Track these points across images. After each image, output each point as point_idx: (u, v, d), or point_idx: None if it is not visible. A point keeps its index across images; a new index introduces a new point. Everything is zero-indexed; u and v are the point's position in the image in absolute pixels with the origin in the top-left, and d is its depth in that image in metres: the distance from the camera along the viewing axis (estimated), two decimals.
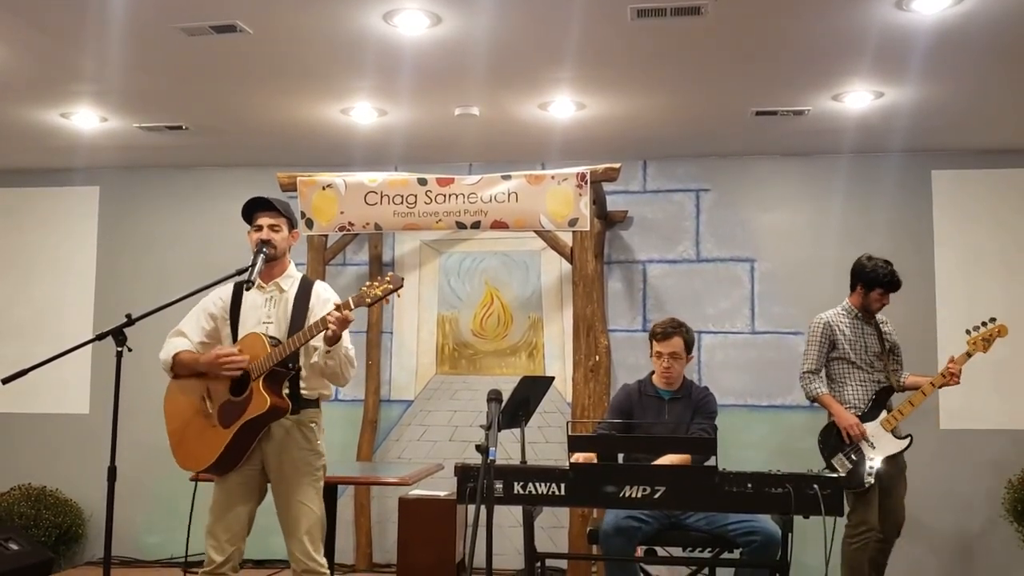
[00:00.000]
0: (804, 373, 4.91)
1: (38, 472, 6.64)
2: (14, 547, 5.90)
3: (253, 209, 3.81)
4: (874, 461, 4.70)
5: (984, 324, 4.76)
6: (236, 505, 3.68)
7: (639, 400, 4.53)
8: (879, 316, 4.96)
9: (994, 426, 6.00)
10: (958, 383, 4.75)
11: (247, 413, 3.55)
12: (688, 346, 4.47)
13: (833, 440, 4.80)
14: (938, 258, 6.15)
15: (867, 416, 4.78)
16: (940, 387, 4.78)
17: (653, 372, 4.55)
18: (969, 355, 4.74)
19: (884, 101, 5.23)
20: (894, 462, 4.76)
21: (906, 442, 4.75)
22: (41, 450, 6.79)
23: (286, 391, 3.65)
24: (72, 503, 6.58)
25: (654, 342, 4.49)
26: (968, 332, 4.78)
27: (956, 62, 4.65)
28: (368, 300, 3.50)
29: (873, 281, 4.82)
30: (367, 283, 3.57)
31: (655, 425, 4.41)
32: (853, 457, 4.72)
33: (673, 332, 4.44)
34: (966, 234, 6.17)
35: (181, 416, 3.73)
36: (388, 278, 3.53)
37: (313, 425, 3.75)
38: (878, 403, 4.80)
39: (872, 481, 4.68)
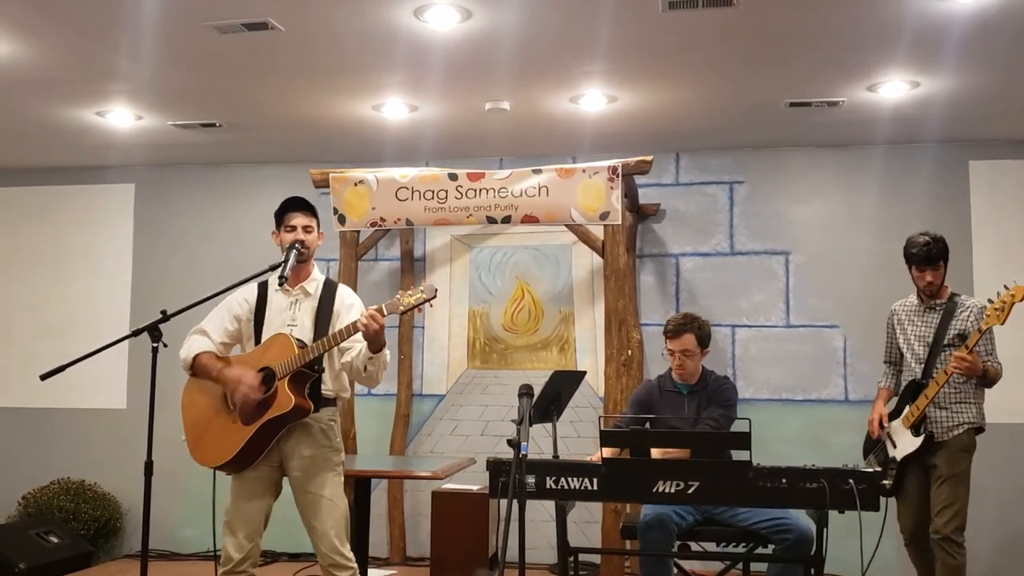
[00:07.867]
0: (883, 363, 4.70)
1: (77, 466, 6.75)
2: (54, 540, 6.01)
3: (287, 209, 3.84)
4: (894, 461, 4.39)
5: (997, 294, 4.11)
6: (254, 501, 3.71)
7: (659, 396, 4.51)
8: (962, 301, 4.40)
9: None
10: (970, 366, 4.15)
11: (270, 411, 3.58)
12: (702, 341, 4.40)
13: (867, 439, 4.62)
14: (976, 249, 6.05)
15: (895, 413, 4.48)
16: (952, 373, 4.19)
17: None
18: (980, 331, 4.14)
19: (920, 91, 5.15)
20: (918, 461, 4.36)
21: (919, 441, 4.30)
22: (80, 445, 6.89)
23: (307, 391, 3.67)
24: (110, 497, 6.67)
25: (666, 339, 4.43)
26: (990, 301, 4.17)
27: (994, 50, 4.56)
28: (401, 308, 3.56)
29: (906, 258, 4.43)
30: (400, 291, 3.63)
31: (674, 419, 4.39)
32: (881, 457, 4.46)
33: (684, 329, 4.37)
34: (1005, 225, 6.06)
35: (201, 412, 3.76)
36: (422, 288, 3.58)
37: (332, 423, 3.78)
38: (903, 399, 4.47)
39: (888, 483, 4.31)
